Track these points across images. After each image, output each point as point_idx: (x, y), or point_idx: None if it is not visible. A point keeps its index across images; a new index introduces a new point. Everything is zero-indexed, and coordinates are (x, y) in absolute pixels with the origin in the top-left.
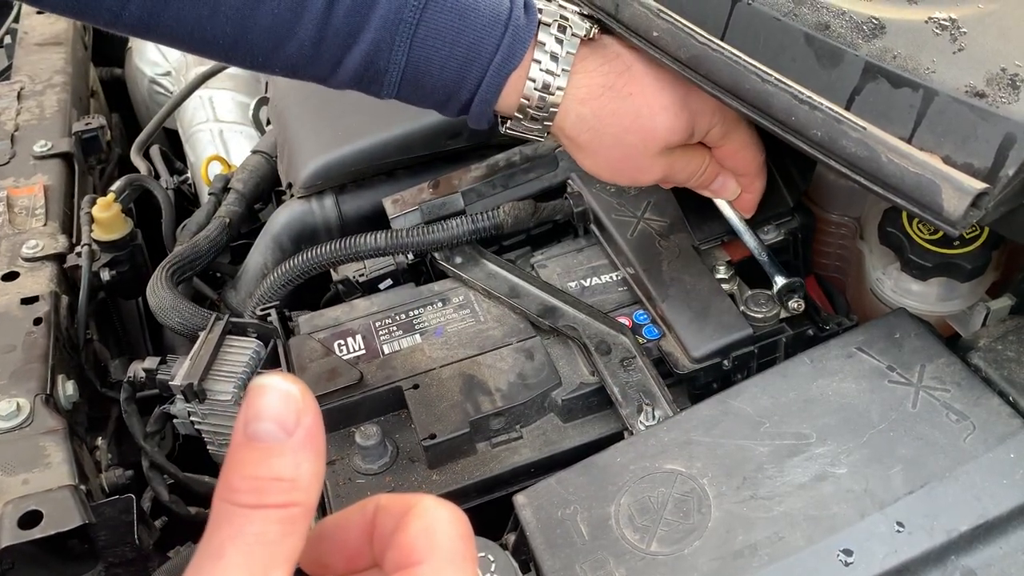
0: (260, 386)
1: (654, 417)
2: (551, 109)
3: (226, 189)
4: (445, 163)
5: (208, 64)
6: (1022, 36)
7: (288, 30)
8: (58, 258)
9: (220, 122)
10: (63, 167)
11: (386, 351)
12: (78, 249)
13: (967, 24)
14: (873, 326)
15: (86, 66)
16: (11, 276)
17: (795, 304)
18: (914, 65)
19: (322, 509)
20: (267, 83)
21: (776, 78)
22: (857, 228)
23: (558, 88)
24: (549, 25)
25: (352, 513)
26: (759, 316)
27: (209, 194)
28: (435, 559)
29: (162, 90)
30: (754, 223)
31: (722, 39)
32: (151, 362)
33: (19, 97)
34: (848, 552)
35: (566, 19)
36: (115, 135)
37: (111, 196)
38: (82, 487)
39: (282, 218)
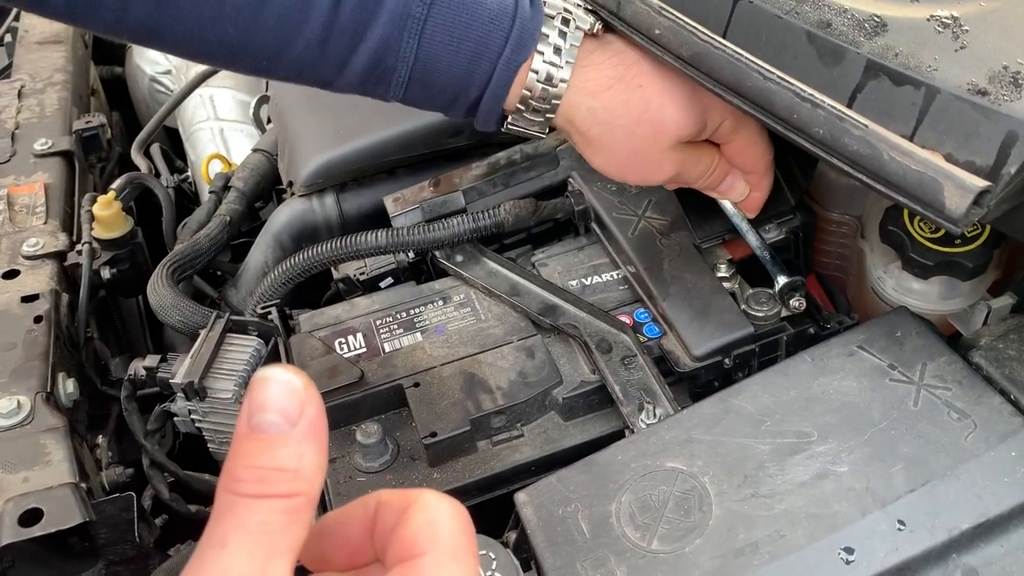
0: (264, 378)
1: (655, 415)
2: (553, 101)
3: (227, 187)
4: (446, 161)
5: None
6: None
7: (294, 30)
8: (59, 256)
9: (221, 120)
10: (63, 165)
11: (387, 349)
12: (79, 247)
13: (969, 22)
14: (874, 324)
15: (86, 64)
16: (12, 274)
17: (796, 303)
18: (916, 63)
19: (323, 507)
20: (267, 81)
21: (778, 76)
22: (858, 227)
23: (561, 80)
24: (553, 18)
25: (353, 509)
26: (760, 315)
27: (210, 192)
28: (437, 552)
29: (162, 88)
30: (755, 222)
31: (724, 37)
32: (151, 360)
33: (20, 95)
34: (849, 550)
35: (570, 12)
36: (115, 133)
37: (111, 194)
38: (82, 485)
39: (283, 216)
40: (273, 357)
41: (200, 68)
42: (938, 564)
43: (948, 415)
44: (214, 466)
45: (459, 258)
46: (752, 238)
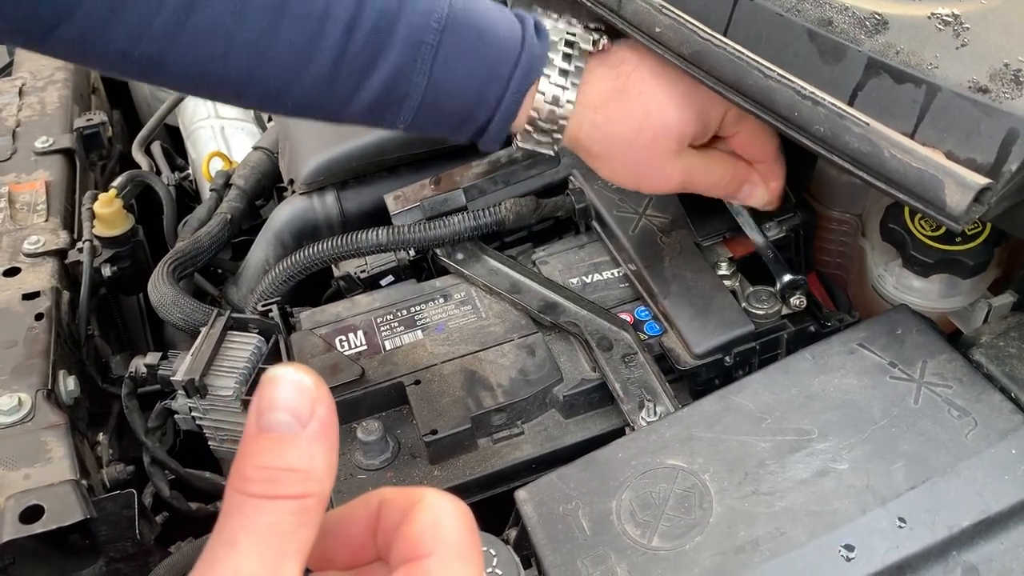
0: (274, 377)
1: (655, 413)
2: (560, 121)
3: (227, 185)
4: (447, 159)
5: None
6: None
7: (305, 61)
8: (59, 254)
9: (221, 118)
10: (64, 163)
11: (387, 347)
12: (79, 245)
13: (970, 20)
14: (875, 322)
15: None
16: (12, 272)
17: (797, 301)
18: (917, 61)
19: None
20: None
21: (779, 74)
22: (859, 225)
23: (567, 101)
24: (557, 42)
25: (356, 507)
26: (761, 312)
27: (210, 190)
28: (442, 552)
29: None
30: (756, 219)
31: (725, 35)
32: (152, 358)
33: (20, 93)
34: (850, 547)
35: (573, 35)
36: (116, 132)
37: (112, 192)
38: (83, 482)
39: (284, 214)
40: (274, 355)
41: None
42: (938, 561)
43: (948, 413)
44: (215, 464)
45: (460, 256)
46: (757, 236)
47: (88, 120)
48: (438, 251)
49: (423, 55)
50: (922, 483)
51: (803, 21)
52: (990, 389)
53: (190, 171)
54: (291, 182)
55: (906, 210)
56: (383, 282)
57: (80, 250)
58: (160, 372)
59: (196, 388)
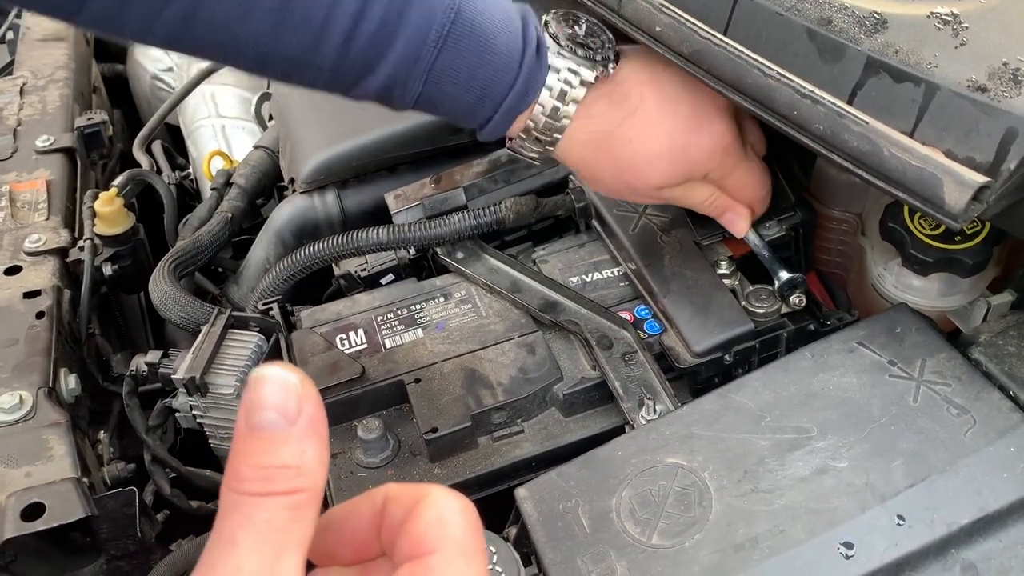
0: (259, 377)
1: (655, 411)
2: (555, 135)
3: (228, 184)
4: (447, 158)
5: None
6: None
7: (306, 60)
8: (60, 252)
9: (222, 117)
10: (65, 162)
11: (388, 345)
12: (80, 243)
13: (969, 19)
14: (874, 321)
15: (88, 62)
16: (14, 270)
17: (796, 299)
18: (916, 60)
19: (324, 503)
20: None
21: (779, 73)
22: (858, 224)
23: (564, 117)
24: (559, 71)
25: (360, 503)
26: (760, 311)
27: (211, 189)
28: (447, 549)
29: (164, 86)
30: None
31: (724, 34)
32: (153, 356)
33: (21, 92)
34: (849, 545)
35: (575, 71)
36: (117, 131)
37: (113, 191)
38: (84, 480)
39: (284, 213)
40: (274, 353)
41: (202, 65)
42: (937, 559)
43: (947, 411)
44: (215, 462)
45: (460, 255)
46: (752, 236)
47: (89, 119)
48: (438, 250)
49: (418, 69)
50: (921, 481)
51: (803, 20)
52: (989, 387)
53: (191, 170)
54: (292, 181)
55: (905, 209)
56: (383, 281)
57: (81, 249)
58: (161, 370)
59: (197, 386)
